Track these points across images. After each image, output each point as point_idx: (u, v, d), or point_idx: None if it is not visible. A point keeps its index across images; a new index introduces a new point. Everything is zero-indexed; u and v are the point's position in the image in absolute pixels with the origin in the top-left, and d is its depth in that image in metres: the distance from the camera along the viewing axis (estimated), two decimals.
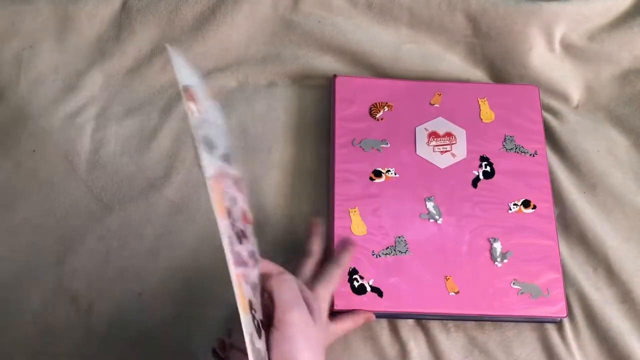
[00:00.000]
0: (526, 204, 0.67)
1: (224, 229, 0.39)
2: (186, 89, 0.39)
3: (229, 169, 0.44)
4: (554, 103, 0.76)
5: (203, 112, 0.42)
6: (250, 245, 0.45)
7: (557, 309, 0.62)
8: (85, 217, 0.68)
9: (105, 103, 0.74)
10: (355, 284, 0.62)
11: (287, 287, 0.45)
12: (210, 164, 0.40)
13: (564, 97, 0.77)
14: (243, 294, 0.40)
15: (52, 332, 0.62)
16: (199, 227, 0.67)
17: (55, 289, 0.64)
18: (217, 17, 0.76)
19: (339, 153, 0.69)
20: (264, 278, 0.46)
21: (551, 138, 0.74)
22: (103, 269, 0.65)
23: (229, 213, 0.42)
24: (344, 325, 0.59)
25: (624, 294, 0.65)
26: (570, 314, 0.64)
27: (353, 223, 0.65)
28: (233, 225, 0.42)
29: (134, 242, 0.67)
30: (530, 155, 0.70)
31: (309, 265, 0.60)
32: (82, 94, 0.74)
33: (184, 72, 0.41)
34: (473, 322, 0.64)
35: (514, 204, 0.67)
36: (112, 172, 0.70)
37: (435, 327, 0.64)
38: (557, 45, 0.77)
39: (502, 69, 0.77)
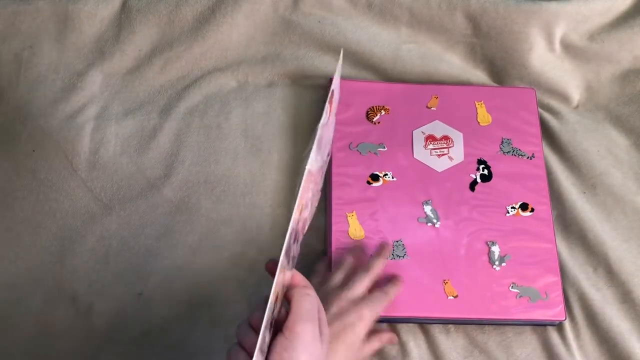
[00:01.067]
0: (524, 206, 0.67)
1: (294, 218, 0.42)
2: (332, 92, 0.45)
3: (318, 178, 0.47)
4: (554, 103, 0.76)
5: (329, 119, 0.45)
6: (295, 251, 0.47)
7: (555, 312, 0.62)
8: (85, 217, 0.68)
9: (105, 103, 0.74)
10: None
11: (307, 301, 0.45)
12: (314, 160, 0.43)
13: (564, 97, 0.77)
14: (277, 283, 0.43)
15: (52, 332, 0.62)
16: (198, 227, 0.67)
17: (55, 289, 0.64)
18: (217, 17, 0.76)
19: (336, 157, 0.68)
20: (289, 286, 0.47)
21: (551, 138, 0.74)
22: (103, 269, 0.65)
23: (301, 211, 0.44)
24: (373, 346, 0.59)
25: (624, 294, 0.65)
26: (570, 314, 0.64)
27: (351, 227, 0.65)
28: (297, 222, 0.44)
29: (134, 242, 0.67)
30: (528, 158, 0.70)
31: (366, 282, 0.60)
32: (82, 94, 0.74)
33: (337, 79, 0.46)
34: None
35: (512, 207, 0.67)
36: (112, 172, 0.70)
37: (435, 327, 0.63)
38: (557, 45, 0.77)
39: (502, 69, 0.77)
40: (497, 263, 0.64)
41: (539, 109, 0.75)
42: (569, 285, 0.65)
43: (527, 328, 0.64)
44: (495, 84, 0.77)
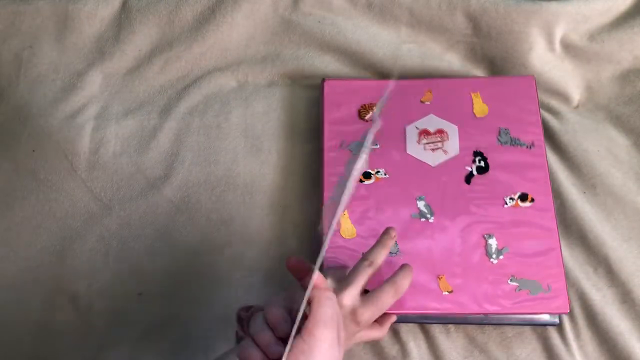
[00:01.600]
0: (523, 197, 0.66)
1: (335, 223, 0.42)
2: (383, 100, 0.46)
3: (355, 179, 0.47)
4: (554, 103, 0.76)
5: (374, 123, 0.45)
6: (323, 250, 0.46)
7: (558, 305, 0.61)
8: (85, 217, 0.68)
9: (105, 103, 0.74)
10: None
11: (328, 306, 0.44)
12: (362, 165, 0.43)
13: (564, 97, 0.77)
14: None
15: (52, 332, 0.62)
16: (198, 227, 0.67)
17: (55, 289, 0.64)
18: (217, 17, 0.76)
19: (328, 157, 0.68)
20: (313, 288, 0.45)
21: (551, 138, 0.74)
22: (103, 269, 0.65)
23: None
24: (373, 333, 0.58)
25: (624, 294, 0.65)
26: (570, 314, 0.64)
27: (342, 227, 0.65)
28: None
29: (133, 242, 0.67)
30: (527, 147, 0.68)
31: (366, 275, 0.55)
32: (82, 93, 0.74)
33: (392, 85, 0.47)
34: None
35: (510, 198, 0.66)
36: (112, 172, 0.70)
37: (435, 327, 0.63)
38: (557, 45, 0.77)
39: (502, 68, 0.77)
40: (494, 256, 0.63)
41: (539, 109, 0.75)
42: (569, 286, 0.65)
43: (527, 328, 0.64)
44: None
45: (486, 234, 0.64)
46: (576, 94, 0.77)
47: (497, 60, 0.77)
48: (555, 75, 0.76)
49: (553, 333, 0.63)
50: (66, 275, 0.65)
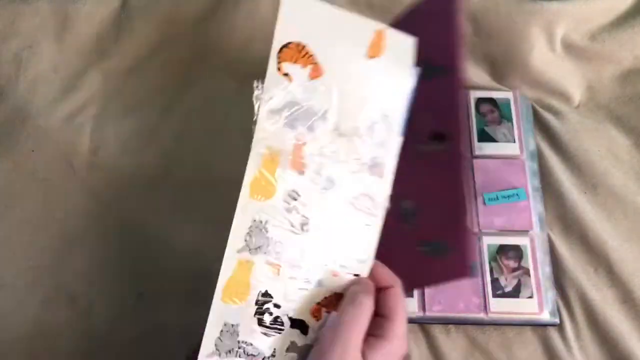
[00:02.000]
0: (435, 137, 0.50)
1: (246, 207, 0.36)
2: (298, 46, 0.34)
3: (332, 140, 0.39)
4: (554, 103, 0.76)
5: (327, 76, 0.36)
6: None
7: (455, 269, 0.47)
8: (85, 217, 0.68)
9: (105, 103, 0.74)
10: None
11: (350, 314, 0.39)
12: (274, 137, 0.37)
13: (564, 97, 0.77)
14: (242, 280, 0.36)
15: (52, 332, 0.62)
16: (198, 227, 0.67)
17: (55, 289, 0.64)
18: (217, 17, 0.76)
19: None
20: (354, 282, 0.41)
21: (552, 138, 0.74)
22: (103, 269, 0.65)
23: (287, 197, 0.38)
24: None
25: (624, 295, 0.65)
26: (570, 314, 0.64)
27: None
28: (282, 210, 0.38)
29: (134, 242, 0.66)
30: (440, 73, 0.52)
31: None
32: (81, 93, 0.74)
33: (303, 23, 0.34)
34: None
35: (422, 144, 0.51)
36: (112, 172, 0.70)
37: (435, 327, 0.63)
38: (558, 45, 0.77)
39: (502, 68, 0.77)
40: (410, 221, 0.50)
41: (540, 109, 0.75)
42: (570, 286, 0.65)
43: (528, 328, 0.64)
44: (495, 83, 0.76)
45: (400, 197, 0.50)
46: (577, 94, 0.77)
47: (497, 60, 0.77)
48: (556, 75, 0.76)
49: (553, 333, 0.63)
50: (66, 275, 0.65)
